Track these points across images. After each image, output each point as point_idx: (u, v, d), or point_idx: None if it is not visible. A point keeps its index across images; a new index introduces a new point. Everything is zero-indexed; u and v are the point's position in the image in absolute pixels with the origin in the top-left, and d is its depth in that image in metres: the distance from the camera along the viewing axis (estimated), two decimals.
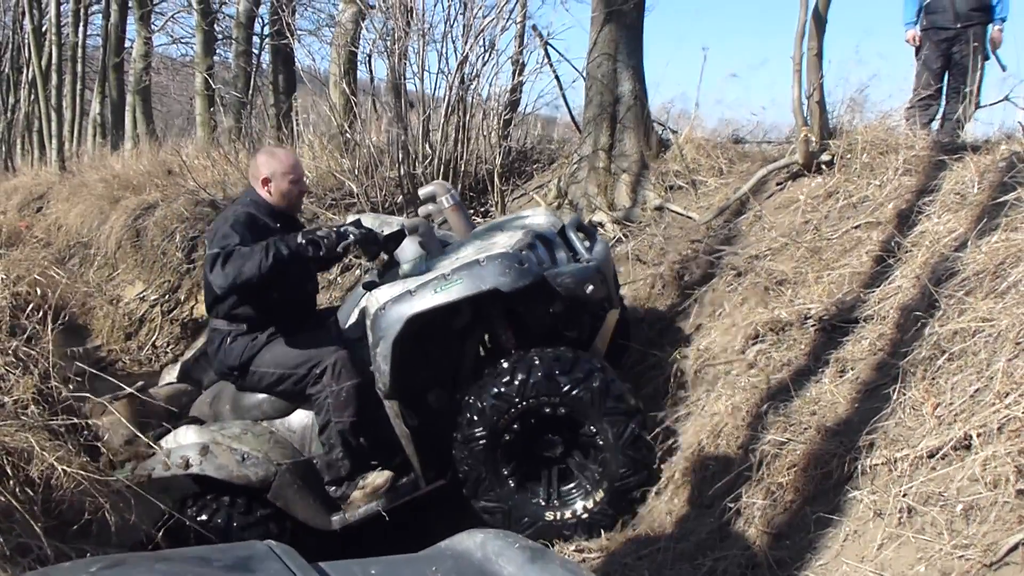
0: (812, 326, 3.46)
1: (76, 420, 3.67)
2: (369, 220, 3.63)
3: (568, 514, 3.31)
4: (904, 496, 2.24)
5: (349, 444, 3.36)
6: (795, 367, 3.32)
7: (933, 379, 2.53)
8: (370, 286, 3.45)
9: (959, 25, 5.86)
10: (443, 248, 3.59)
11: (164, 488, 3.46)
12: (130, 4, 15.17)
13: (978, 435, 2.18)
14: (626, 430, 3.19)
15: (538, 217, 3.93)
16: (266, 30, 13.34)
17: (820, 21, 4.45)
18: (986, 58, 5.88)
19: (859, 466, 2.47)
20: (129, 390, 3.67)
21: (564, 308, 3.54)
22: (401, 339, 3.22)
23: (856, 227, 3.94)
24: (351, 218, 3.60)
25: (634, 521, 3.24)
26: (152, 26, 15.68)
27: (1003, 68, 5.85)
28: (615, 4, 5.55)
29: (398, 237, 3.53)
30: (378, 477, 3.41)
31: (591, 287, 3.39)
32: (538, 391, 3.18)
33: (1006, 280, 2.61)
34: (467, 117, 6.24)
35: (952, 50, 5.91)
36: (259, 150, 3.73)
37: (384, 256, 3.57)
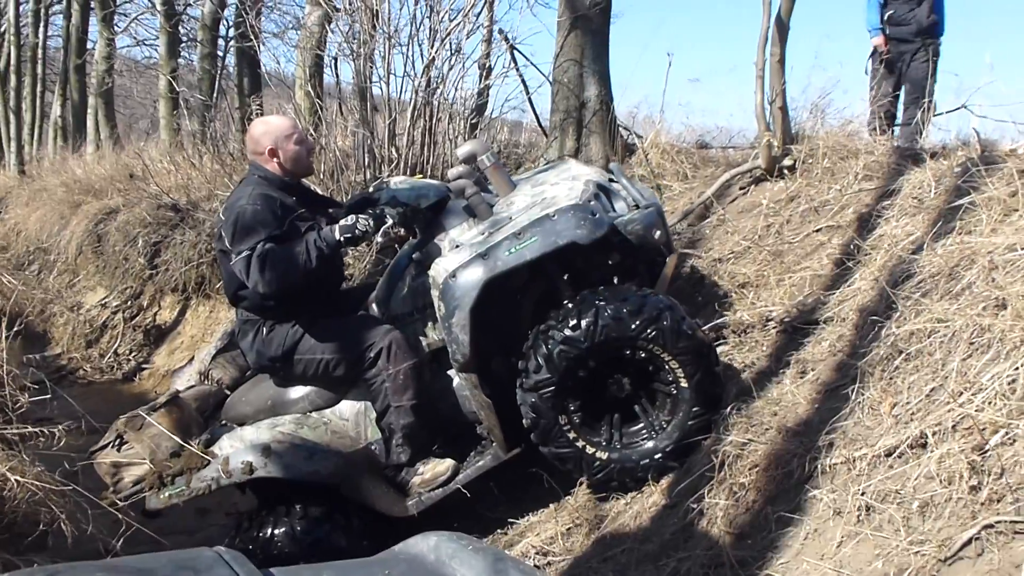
0: (774, 328, 3.50)
1: (31, 428, 3.59)
2: (403, 187, 3.40)
3: (638, 455, 3.17)
4: (862, 494, 2.26)
5: (410, 427, 3.22)
6: (757, 368, 3.36)
7: (890, 379, 2.56)
8: (421, 259, 3.30)
9: (920, 37, 6.02)
10: (490, 208, 3.36)
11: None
12: (92, 5, 14.92)
13: (933, 433, 2.21)
14: (698, 368, 3.06)
15: (581, 167, 3.72)
16: (231, 32, 13.22)
17: (783, 27, 4.50)
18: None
19: (819, 465, 2.49)
20: (165, 397, 3.50)
21: (621, 258, 3.42)
22: (478, 306, 3.05)
23: (817, 231, 4.00)
24: (384, 198, 3.36)
25: (599, 523, 3.24)
26: (115, 27, 15.44)
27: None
28: (581, 9, 5.58)
29: (440, 203, 3.40)
30: (439, 465, 3.28)
31: (658, 232, 3.28)
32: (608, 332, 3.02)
33: (960, 282, 2.65)
34: (433, 121, 6.22)
35: (912, 59, 6.06)
36: (251, 126, 3.51)
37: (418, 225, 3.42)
